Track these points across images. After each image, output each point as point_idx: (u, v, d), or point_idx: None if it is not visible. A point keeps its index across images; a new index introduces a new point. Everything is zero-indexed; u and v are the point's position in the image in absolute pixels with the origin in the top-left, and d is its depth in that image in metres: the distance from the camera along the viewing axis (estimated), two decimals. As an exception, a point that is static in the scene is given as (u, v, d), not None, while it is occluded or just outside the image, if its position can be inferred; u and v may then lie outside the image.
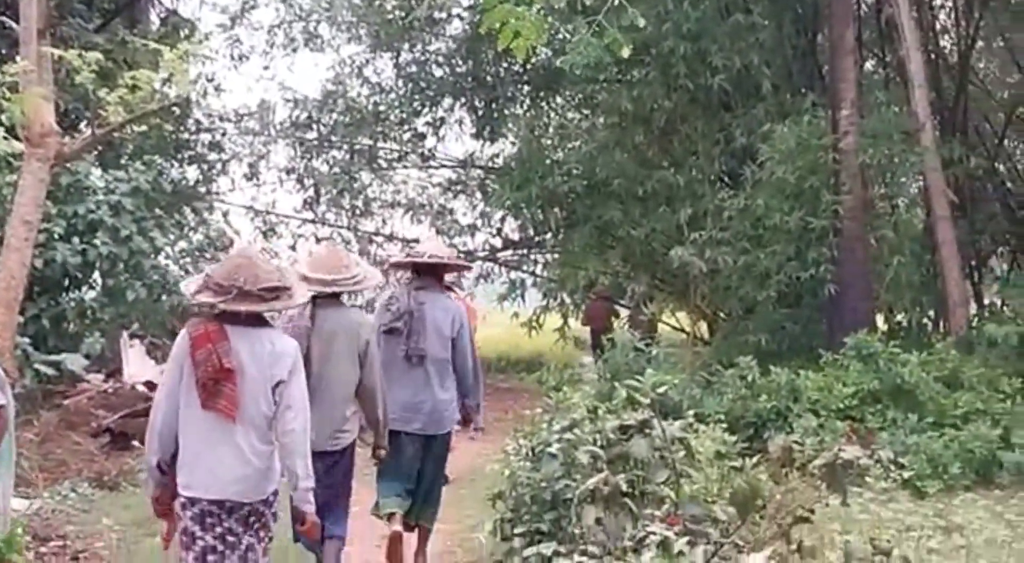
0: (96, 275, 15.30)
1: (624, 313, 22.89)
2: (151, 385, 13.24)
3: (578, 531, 6.14)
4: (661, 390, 6.29)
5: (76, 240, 14.58)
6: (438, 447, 8.24)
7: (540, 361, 21.63)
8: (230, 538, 5.80)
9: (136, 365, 13.52)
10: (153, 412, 5.97)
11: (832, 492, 6.28)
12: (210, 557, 5.78)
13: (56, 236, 14.43)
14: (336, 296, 7.55)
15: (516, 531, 6.39)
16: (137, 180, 15.38)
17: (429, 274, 8.50)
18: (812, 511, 6.48)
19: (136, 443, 12.31)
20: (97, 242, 14.57)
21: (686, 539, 5.58)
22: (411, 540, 8.10)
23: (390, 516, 7.90)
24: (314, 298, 7.09)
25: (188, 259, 17.19)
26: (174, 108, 22.43)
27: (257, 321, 5.95)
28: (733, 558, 5.81)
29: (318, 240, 23.50)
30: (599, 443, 6.53)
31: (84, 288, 15.50)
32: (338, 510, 7.39)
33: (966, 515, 9.29)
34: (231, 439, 5.79)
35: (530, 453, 6.63)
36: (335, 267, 7.49)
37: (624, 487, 6.29)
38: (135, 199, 15.22)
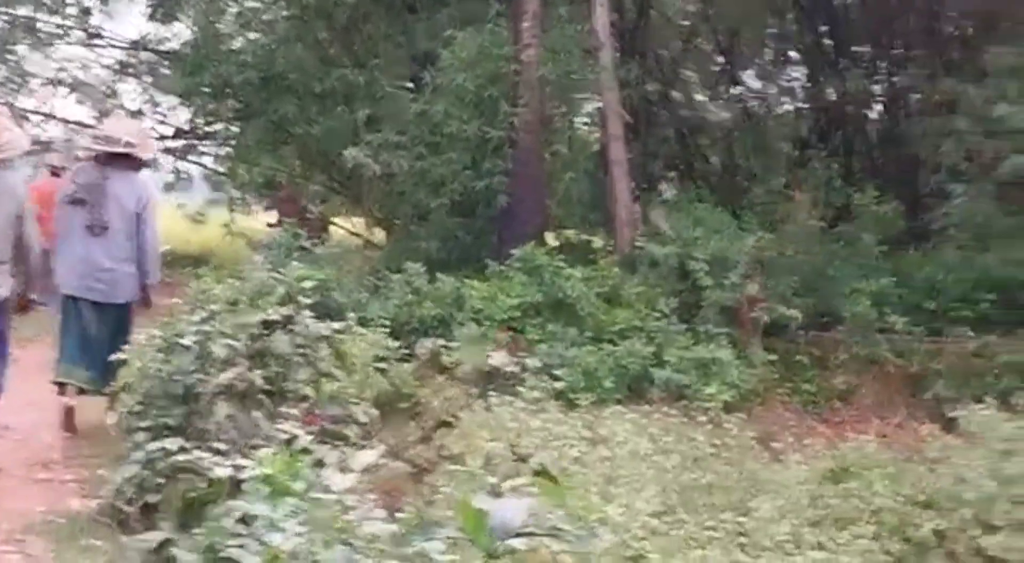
0: None
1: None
2: None
3: (210, 427, 5.72)
4: (308, 285, 5.87)
5: None
6: (116, 316, 8.69)
7: (209, 258, 20.89)
8: None
9: None
10: None
11: (479, 396, 6.05)
12: None
13: None
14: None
15: (141, 425, 5.91)
16: None
17: (119, 156, 8.89)
18: (456, 416, 6.27)
19: None
20: None
21: (317, 439, 5.24)
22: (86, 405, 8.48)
23: (65, 386, 8.52)
24: None
25: None
26: None
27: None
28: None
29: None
30: (241, 338, 6.10)
31: None
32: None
33: (613, 427, 9.34)
34: None
35: (164, 344, 6.13)
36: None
37: (263, 384, 5.91)
38: None
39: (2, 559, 5.49)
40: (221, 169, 24.12)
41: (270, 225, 22.95)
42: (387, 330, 11.01)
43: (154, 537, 4.61)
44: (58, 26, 23.30)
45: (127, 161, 9.00)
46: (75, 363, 8.58)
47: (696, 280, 13.77)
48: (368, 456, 3.96)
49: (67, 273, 8.62)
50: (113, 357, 7.70)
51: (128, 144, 8.99)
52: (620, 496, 7.44)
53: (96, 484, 6.19)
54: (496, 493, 3.20)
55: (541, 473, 5.60)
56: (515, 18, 16.09)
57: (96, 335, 8.65)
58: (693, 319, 13.48)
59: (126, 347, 7.81)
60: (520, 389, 9.11)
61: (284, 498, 3.57)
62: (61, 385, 8.66)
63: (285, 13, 20.51)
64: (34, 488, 6.87)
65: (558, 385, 10.87)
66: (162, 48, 23.55)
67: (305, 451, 4.54)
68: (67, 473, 7.25)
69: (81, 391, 8.56)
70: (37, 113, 23.50)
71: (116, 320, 8.78)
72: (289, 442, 4.57)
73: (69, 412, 8.47)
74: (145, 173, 10.06)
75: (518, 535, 2.79)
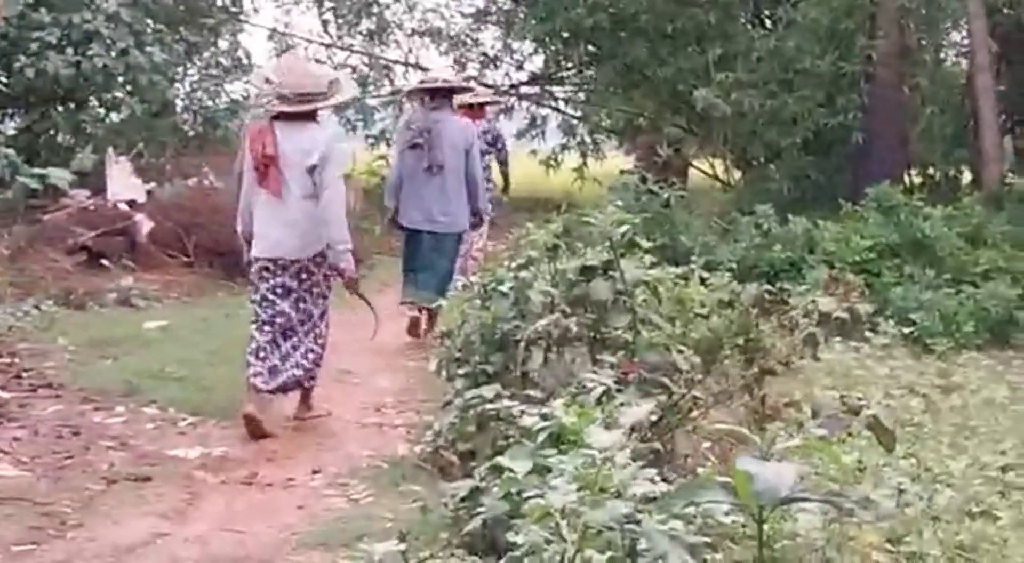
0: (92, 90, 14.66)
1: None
2: (133, 204, 12.78)
3: (528, 374, 5.67)
4: (623, 229, 5.68)
5: (70, 51, 13.91)
6: (450, 242, 9.81)
7: (568, 202, 21.07)
8: (280, 290, 7.23)
9: (120, 183, 12.92)
10: (241, 197, 7.49)
11: (807, 345, 5.73)
12: (264, 304, 7.25)
13: (49, 46, 13.81)
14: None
15: (460, 372, 5.91)
16: (135, -10, 14.65)
17: (441, 97, 9.91)
18: (787, 364, 5.97)
19: (107, 263, 11.93)
20: (92, 54, 13.94)
21: (633, 388, 5.09)
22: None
23: (409, 304, 9.70)
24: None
25: (195, 77, 16.49)
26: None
27: (301, 117, 7.26)
28: (683, 411, 5.34)
29: (335, 66, 22.76)
30: (559, 284, 6.01)
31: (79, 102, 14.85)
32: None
33: (967, 374, 8.83)
34: (279, 211, 7.22)
35: (483, 291, 6.11)
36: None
37: (580, 331, 5.79)
38: (133, 10, 14.47)
39: (324, 502, 5.63)
40: (575, 113, 24.22)
41: (623, 171, 23.02)
42: (734, 273, 10.76)
43: (465, 484, 4.59)
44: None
45: (451, 103, 10.08)
46: (418, 286, 9.61)
47: (1070, 216, 12.91)
48: (639, 412, 3.76)
49: (410, 210, 9.70)
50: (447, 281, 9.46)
51: (447, 82, 10.25)
52: (971, 448, 6.98)
53: (423, 429, 6.24)
54: (764, 456, 2.94)
55: (874, 426, 5.28)
56: (874, -54, 15.40)
57: (435, 262, 9.77)
58: (1066, 259, 12.64)
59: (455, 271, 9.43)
60: (868, 334, 8.73)
61: (576, 449, 3.45)
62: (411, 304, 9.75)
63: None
64: (363, 432, 7.00)
65: (911, 330, 10.41)
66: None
67: (608, 398, 4.41)
68: (397, 418, 7.38)
69: (420, 311, 9.67)
70: (402, 63, 24.18)
71: (451, 248, 9.90)
72: (596, 392, 4.44)
73: (415, 322, 9.72)
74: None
75: (784, 501, 2.56)
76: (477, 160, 10.07)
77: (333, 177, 7.25)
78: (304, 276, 7.29)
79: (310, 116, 7.33)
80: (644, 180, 14.02)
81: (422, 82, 10.87)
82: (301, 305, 7.29)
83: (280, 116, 7.21)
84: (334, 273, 7.34)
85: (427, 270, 9.69)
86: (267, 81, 7.36)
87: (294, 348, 7.32)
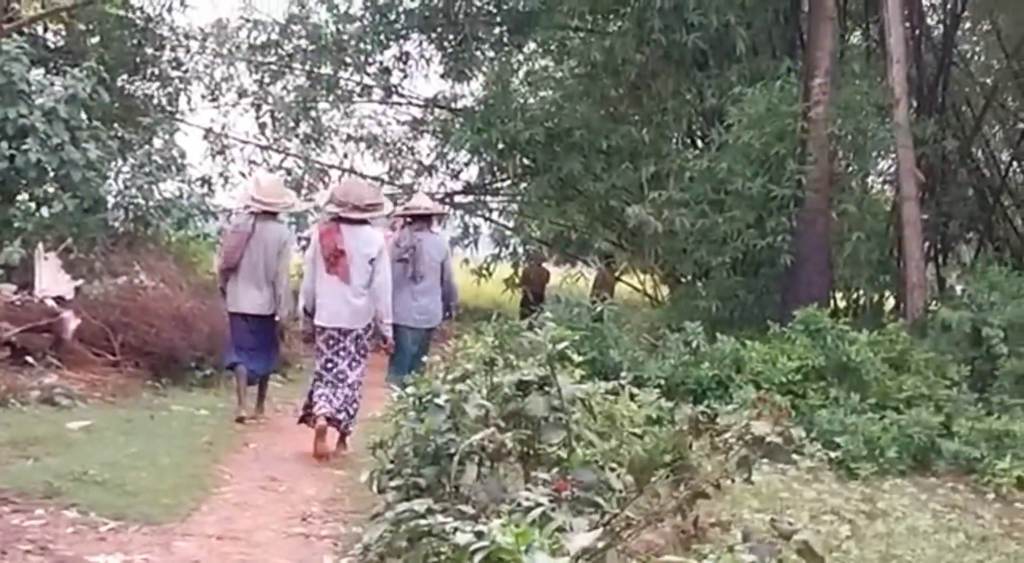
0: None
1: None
2: (61, 300, 12.62)
3: (461, 489, 5.63)
4: (562, 345, 5.71)
5: (4, 144, 13.81)
6: (425, 336, 12.06)
7: (498, 312, 21.15)
8: (342, 352, 9.96)
9: (48, 279, 12.76)
10: (304, 278, 10.27)
11: (739, 468, 5.74)
12: (328, 363, 9.96)
13: (-17, 139, 13.74)
14: (273, 214, 11.41)
15: (392, 484, 5.87)
16: (74, 87, 14.60)
17: (422, 220, 12.32)
18: (718, 485, 5.98)
19: (32, 360, 11.73)
20: (26, 148, 13.85)
21: (566, 506, 5.07)
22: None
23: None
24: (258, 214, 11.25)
25: (128, 175, 16.37)
26: (144, 22, 21.88)
27: (359, 221, 10.01)
28: (616, 532, 5.32)
29: (270, 169, 22.86)
30: (495, 398, 6.01)
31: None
32: (270, 355, 11.71)
33: (891, 501, 8.89)
34: (343, 291, 9.92)
35: (418, 402, 6.10)
36: (278, 194, 11.72)
37: (514, 446, 5.78)
38: (71, 107, 14.41)
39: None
40: (508, 224, 24.44)
41: (547, 279, 23.32)
42: (662, 390, 10.79)
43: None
44: (357, 84, 24.05)
45: (429, 225, 12.38)
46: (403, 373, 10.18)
47: (991, 347, 13.08)
48: (585, 539, 3.75)
49: (398, 309, 10.92)
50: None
51: (427, 209, 12.67)
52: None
53: (350, 541, 6.16)
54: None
55: (804, 552, 5.30)
56: (806, 75, 15.74)
57: (416, 351, 11.58)
58: (986, 389, 12.82)
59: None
60: (795, 457, 8.76)
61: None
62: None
63: (576, 70, 20.62)
64: (289, 543, 6.89)
65: (836, 454, 10.48)
66: (455, 106, 24.06)
67: (545, 518, 4.39)
68: (324, 528, 7.27)
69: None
70: (336, 168, 24.30)
71: (425, 339, 12.05)
72: (533, 511, 4.42)
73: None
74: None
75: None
76: (451, 268, 12.83)
77: (385, 268, 10.09)
78: (356, 341, 10.00)
79: (365, 221, 10.06)
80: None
81: (407, 209, 12.83)
82: (352, 364, 9.99)
83: (343, 220, 9.92)
84: (377, 340, 10.26)
85: (405, 354, 11.42)
86: (333, 196, 10.21)
87: (346, 398, 9.90)
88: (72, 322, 12.30)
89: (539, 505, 4.64)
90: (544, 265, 24.19)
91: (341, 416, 9.87)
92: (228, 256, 11.24)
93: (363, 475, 6.28)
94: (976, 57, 23.22)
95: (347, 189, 10.73)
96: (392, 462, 6.05)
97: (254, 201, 11.24)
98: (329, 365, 9.91)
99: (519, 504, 5.01)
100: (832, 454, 10.17)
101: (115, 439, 9.46)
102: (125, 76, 22.45)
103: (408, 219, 12.49)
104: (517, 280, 22.68)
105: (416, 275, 11.90)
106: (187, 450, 9.46)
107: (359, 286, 9.87)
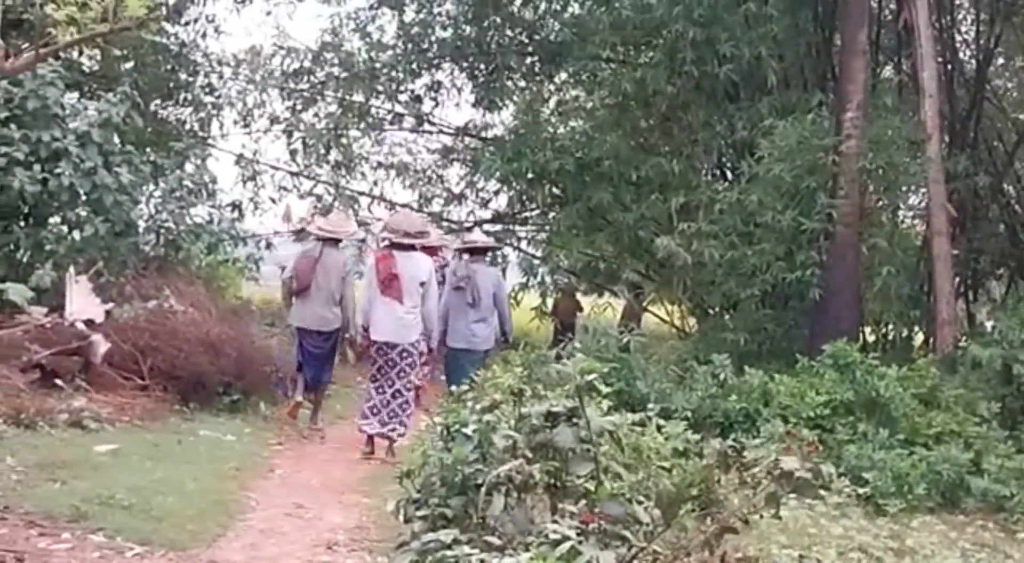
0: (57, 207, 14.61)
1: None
2: (91, 323, 12.66)
3: (488, 520, 5.61)
4: (591, 376, 5.70)
5: (37, 168, 13.94)
6: (483, 358, 12.59)
7: (525, 341, 21.21)
8: (391, 363, 11.71)
9: (79, 302, 12.83)
10: (362, 299, 11.96)
11: (767, 503, 5.71)
12: (379, 372, 11.80)
13: (17, 162, 13.83)
14: (336, 241, 13.17)
15: (418, 514, 5.85)
16: (108, 112, 14.73)
17: (478, 252, 13.76)
18: (746, 520, 5.95)
19: (61, 383, 11.78)
20: (59, 172, 13.97)
21: (593, 539, 5.04)
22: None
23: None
24: (324, 240, 12.96)
25: (159, 199, 16.47)
26: (170, 45, 22.06)
27: (411, 248, 11.82)
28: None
29: (301, 195, 23.02)
30: (523, 429, 5.99)
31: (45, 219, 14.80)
32: (327, 366, 13.30)
33: (920, 539, 8.80)
34: (396, 310, 11.63)
35: (445, 432, 6.09)
36: (341, 224, 13.78)
37: (542, 478, 5.76)
38: (104, 131, 14.54)
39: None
40: (536, 253, 24.47)
41: (580, 309, 23.34)
42: (689, 422, 10.74)
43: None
44: (389, 112, 24.18)
45: (483, 257, 13.96)
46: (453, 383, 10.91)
47: (1021, 385, 12.98)
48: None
49: (454, 333, 12.94)
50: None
51: (484, 243, 14.84)
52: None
53: (376, 572, 6.16)
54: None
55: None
56: (838, 108, 15.69)
57: (467, 368, 11.56)
58: (1017, 426, 12.71)
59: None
60: (822, 492, 8.69)
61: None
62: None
63: (607, 101, 20.64)
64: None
65: (864, 489, 10.41)
66: (485, 135, 24.13)
67: (572, 551, 4.37)
68: (350, 556, 7.27)
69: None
70: (366, 195, 24.40)
71: (479, 360, 12.38)
72: (556, 543, 4.41)
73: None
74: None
75: None
76: (504, 297, 14.17)
77: (433, 292, 11.91)
78: (404, 355, 11.72)
79: (414, 247, 11.85)
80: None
81: (464, 243, 14.51)
82: (399, 374, 11.70)
83: (396, 246, 11.72)
84: (423, 353, 12.17)
85: (462, 373, 11.64)
86: (387, 225, 12.40)
87: (393, 409, 11.64)
88: (102, 346, 12.36)
89: (566, 538, 4.62)
90: (576, 296, 24.35)
91: (386, 429, 11.72)
92: (302, 278, 12.79)
93: (389, 504, 6.26)
94: (1009, 93, 23.17)
95: (399, 219, 12.64)
96: (419, 491, 6.03)
97: (320, 230, 13.11)
98: (379, 373, 11.82)
99: (546, 536, 5.00)
100: (860, 490, 10.06)
101: (142, 463, 9.49)
102: (158, 101, 22.75)
103: (465, 251, 13.80)
104: (545, 309, 22.67)
105: (471, 302, 12.97)
106: (213, 476, 9.48)
107: (409, 306, 11.65)
